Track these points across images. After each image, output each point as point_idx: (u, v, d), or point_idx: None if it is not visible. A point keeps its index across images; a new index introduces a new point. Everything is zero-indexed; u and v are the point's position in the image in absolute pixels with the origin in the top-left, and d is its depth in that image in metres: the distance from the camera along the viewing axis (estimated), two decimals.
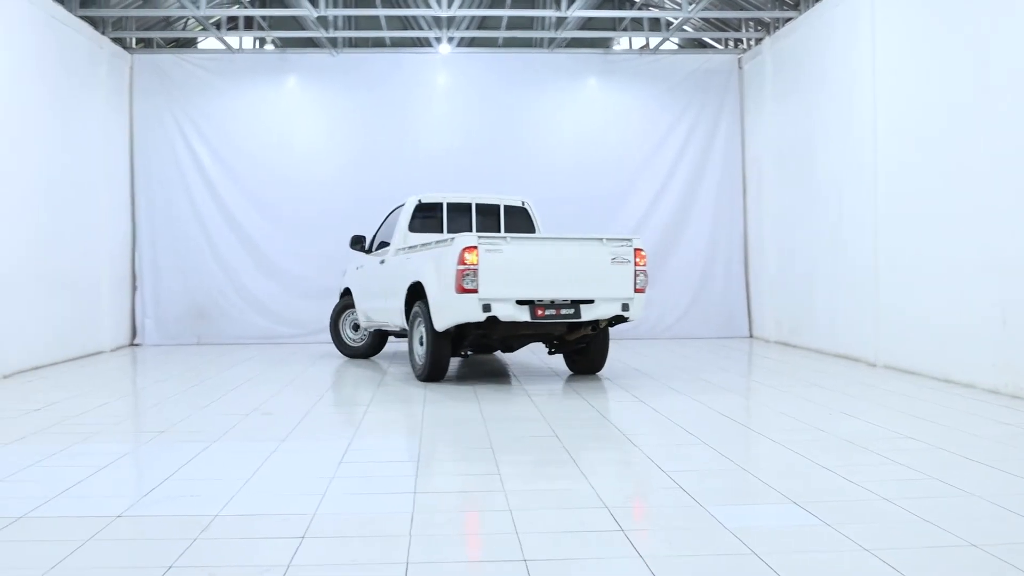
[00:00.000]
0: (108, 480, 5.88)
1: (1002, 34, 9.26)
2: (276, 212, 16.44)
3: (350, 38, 17.04)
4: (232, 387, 10.48)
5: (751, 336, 16.60)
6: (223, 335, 16.28)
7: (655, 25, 17.19)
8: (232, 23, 17.10)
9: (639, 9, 17.30)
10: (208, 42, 17.45)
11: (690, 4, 14.84)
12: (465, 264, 9.58)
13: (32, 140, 12.50)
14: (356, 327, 13.73)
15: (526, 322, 9.82)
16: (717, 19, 16.89)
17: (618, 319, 10.26)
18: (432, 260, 10.36)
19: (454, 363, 12.47)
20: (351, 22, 16.86)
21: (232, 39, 16.89)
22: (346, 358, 13.61)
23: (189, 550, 4.38)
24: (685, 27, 16.92)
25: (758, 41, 16.30)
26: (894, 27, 11.41)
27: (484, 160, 16.49)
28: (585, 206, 16.42)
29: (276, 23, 17.00)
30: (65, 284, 13.40)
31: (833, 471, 5.87)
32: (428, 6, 15.22)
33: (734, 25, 16.96)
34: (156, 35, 16.54)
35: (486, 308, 9.61)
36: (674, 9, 16.40)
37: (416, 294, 10.78)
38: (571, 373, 11.53)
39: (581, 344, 11.05)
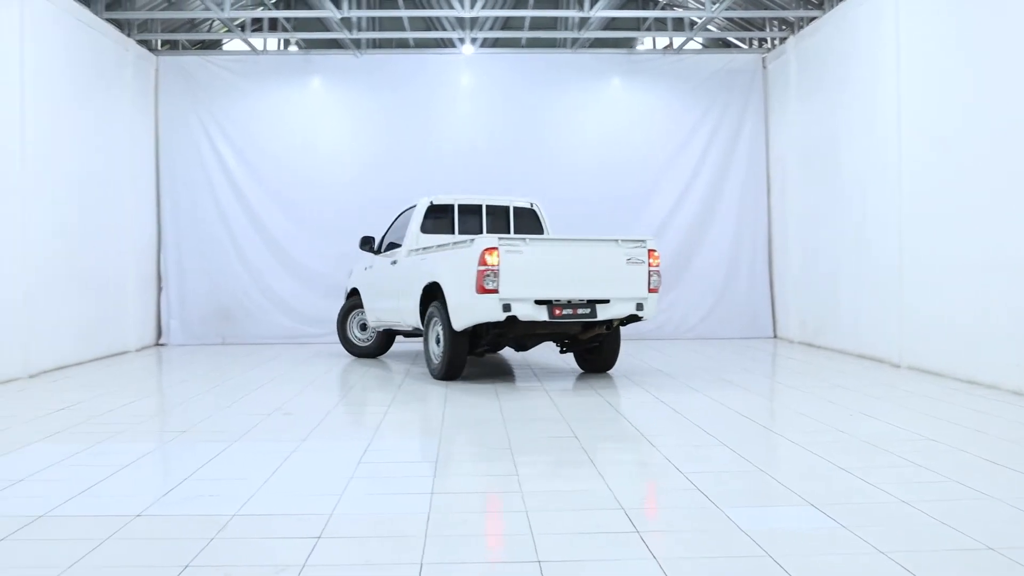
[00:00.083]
0: (129, 479, 5.92)
1: None
2: (300, 212, 16.52)
3: (374, 39, 17.11)
4: (255, 387, 10.54)
5: (775, 336, 16.53)
6: (248, 335, 16.37)
7: (679, 25, 17.14)
8: (256, 25, 17.19)
9: (663, 9, 17.26)
10: (233, 44, 17.57)
11: (714, 3, 14.80)
12: (486, 265, 9.70)
13: (60, 142, 12.63)
14: (363, 327, 13.81)
15: (544, 321, 9.97)
16: (741, 18, 16.84)
17: (632, 318, 10.40)
18: (450, 261, 10.49)
19: (468, 361, 12.49)
20: (375, 23, 16.91)
21: (256, 41, 16.99)
22: (359, 358, 13.65)
23: (206, 550, 4.41)
24: (709, 27, 16.87)
25: (782, 40, 16.22)
26: (918, 26, 11.33)
27: (507, 160, 16.50)
28: (609, 206, 16.42)
29: (300, 25, 17.07)
30: (92, 284, 13.53)
31: (852, 473, 5.84)
32: (451, 7, 15.26)
33: (758, 24, 16.89)
34: (181, 37, 16.65)
35: (506, 308, 9.77)
36: (698, 9, 16.35)
37: (431, 294, 10.90)
38: (593, 372, 11.60)
39: (594, 343, 11.19)
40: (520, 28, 16.94)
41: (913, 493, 5.31)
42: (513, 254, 9.82)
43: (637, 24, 17.52)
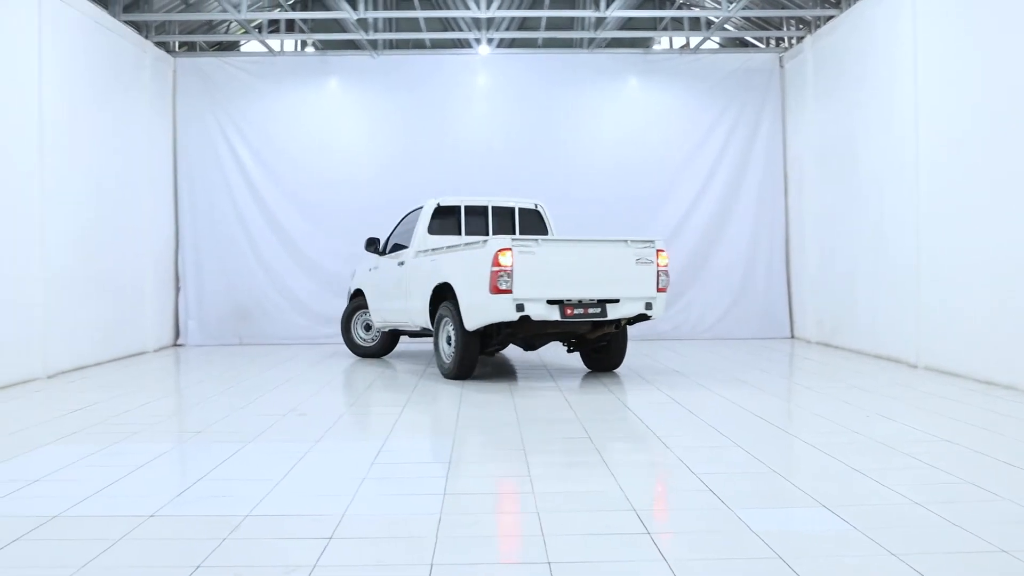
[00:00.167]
0: (143, 480, 5.95)
1: None
2: (317, 213, 16.57)
3: (390, 40, 17.16)
4: (271, 388, 10.58)
5: (792, 337, 16.47)
6: (265, 335, 16.43)
7: (695, 24, 17.12)
8: (273, 26, 17.25)
9: (679, 8, 17.23)
10: (250, 45, 17.65)
11: (730, 3, 14.76)
12: (500, 266, 9.80)
13: (79, 144, 12.71)
14: (368, 327, 13.89)
15: (555, 321, 10.11)
16: (758, 18, 16.79)
17: (640, 317, 10.53)
18: (463, 262, 10.60)
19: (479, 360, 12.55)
20: (391, 24, 16.94)
21: (274, 42, 17.06)
22: (365, 358, 13.71)
23: (218, 550, 4.43)
24: (726, 26, 16.83)
25: (799, 40, 16.17)
26: (935, 25, 11.27)
27: (524, 161, 16.52)
28: (625, 207, 16.42)
29: (317, 26, 17.11)
30: (110, 285, 13.61)
31: (866, 474, 5.81)
32: (467, 8, 15.28)
33: (775, 24, 16.84)
34: (199, 39, 16.74)
35: (519, 308, 9.88)
36: (715, 8, 16.31)
37: (441, 295, 11.01)
38: (599, 371, 11.71)
39: (602, 342, 11.31)
40: (536, 28, 16.94)
41: (927, 495, 5.28)
42: (526, 255, 9.93)
43: (654, 24, 17.50)
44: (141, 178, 14.94)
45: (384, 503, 5.40)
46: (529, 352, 13.15)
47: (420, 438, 7.75)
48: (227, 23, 17.13)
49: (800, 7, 15.23)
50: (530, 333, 10.69)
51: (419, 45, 17.44)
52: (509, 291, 9.83)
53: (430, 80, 16.80)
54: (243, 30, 16.98)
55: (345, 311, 14.13)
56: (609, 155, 16.77)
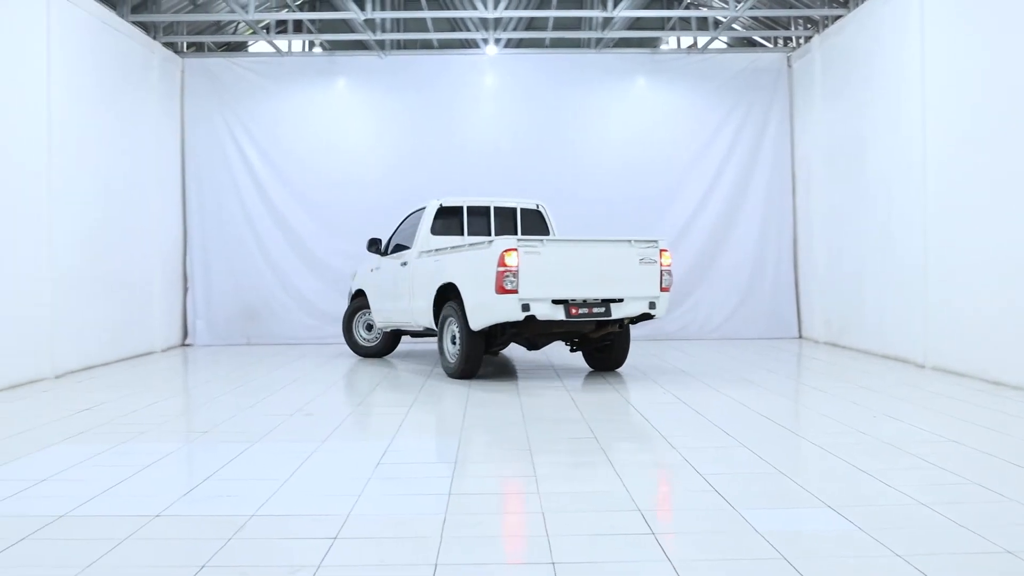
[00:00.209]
0: (150, 480, 5.97)
1: None
2: (325, 213, 16.58)
3: (398, 40, 17.17)
4: (278, 388, 10.60)
5: (800, 337, 16.44)
6: (273, 335, 16.46)
7: (703, 24, 17.09)
8: (281, 27, 17.28)
9: (687, 8, 17.21)
10: (258, 46, 17.67)
11: (738, 2, 14.74)
12: (505, 266, 9.88)
13: (87, 144, 12.74)
14: (369, 327, 13.95)
15: (560, 320, 10.18)
16: (766, 17, 16.77)
17: (644, 316, 10.60)
18: (468, 262, 10.67)
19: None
20: (399, 24, 16.96)
21: (281, 42, 17.10)
22: (368, 358, 13.74)
23: (223, 550, 4.44)
24: (734, 26, 16.81)
25: (807, 39, 16.14)
26: (943, 24, 11.24)
27: (531, 161, 16.53)
28: (633, 206, 16.41)
29: (325, 26, 17.12)
30: (118, 285, 13.64)
31: (872, 475, 5.80)
32: (475, 8, 15.28)
33: (783, 23, 16.82)
34: (207, 39, 16.77)
35: (525, 308, 9.96)
36: (722, 8, 16.29)
37: (445, 295, 11.08)
38: (602, 370, 11.79)
39: (606, 342, 11.40)
40: (544, 28, 16.94)
41: (933, 495, 5.27)
42: (532, 255, 10.01)
43: (661, 24, 17.50)
44: (149, 178, 14.98)
45: (389, 503, 5.40)
46: (532, 352, 13.15)
47: (426, 438, 7.75)
48: (235, 24, 17.16)
49: (808, 7, 15.21)
50: (535, 333, 10.76)
51: (427, 45, 17.45)
52: (515, 291, 9.90)
53: (438, 80, 16.82)
54: (251, 31, 17.00)
55: (346, 311, 14.18)
56: (617, 155, 16.76)
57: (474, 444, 7.25)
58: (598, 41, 16.76)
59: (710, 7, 17.19)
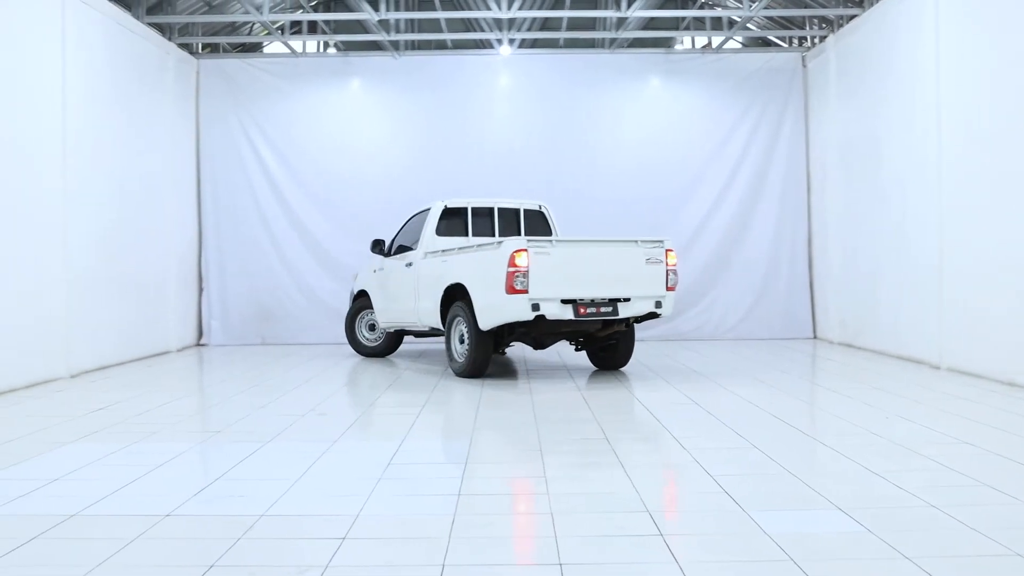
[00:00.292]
0: (161, 479, 6.00)
1: None
2: (340, 213, 16.61)
3: (412, 41, 17.20)
4: (291, 387, 10.63)
5: (815, 337, 16.39)
6: (288, 336, 16.50)
7: (717, 24, 17.05)
8: (296, 27, 17.33)
9: (701, 8, 17.18)
10: (273, 46, 17.73)
11: (752, 2, 14.70)
12: (516, 266, 9.98)
13: (102, 145, 12.81)
14: (372, 327, 14.01)
15: (568, 320, 10.31)
16: (780, 17, 16.72)
17: (650, 316, 10.73)
18: (477, 263, 10.78)
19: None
20: (413, 25, 16.99)
21: (296, 43, 17.16)
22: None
23: (232, 550, 4.46)
24: (748, 25, 16.76)
25: (822, 39, 16.08)
26: (957, 23, 11.19)
27: (545, 161, 16.54)
28: (647, 207, 16.38)
29: (339, 27, 17.16)
30: (133, 286, 13.71)
31: (883, 476, 5.78)
32: (489, 8, 15.29)
33: (798, 23, 16.78)
34: (222, 40, 16.84)
35: (535, 307, 10.09)
36: (737, 8, 16.25)
37: (452, 295, 11.18)
38: (607, 369, 11.90)
39: (611, 341, 11.52)
40: (558, 29, 16.94)
41: (943, 497, 5.24)
42: (541, 255, 10.13)
43: (675, 24, 17.47)
44: (164, 179, 15.05)
45: (399, 504, 5.41)
46: (538, 351, 13.19)
47: (438, 438, 7.78)
48: (250, 25, 17.22)
49: (823, 6, 15.16)
50: (542, 332, 10.89)
51: (441, 46, 17.47)
52: (525, 291, 10.00)
53: (452, 80, 16.84)
54: (266, 31, 17.07)
55: (349, 312, 14.25)
56: (631, 155, 16.74)
57: (485, 445, 7.25)
58: (612, 41, 16.75)
59: (724, 7, 17.15)
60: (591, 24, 17.10)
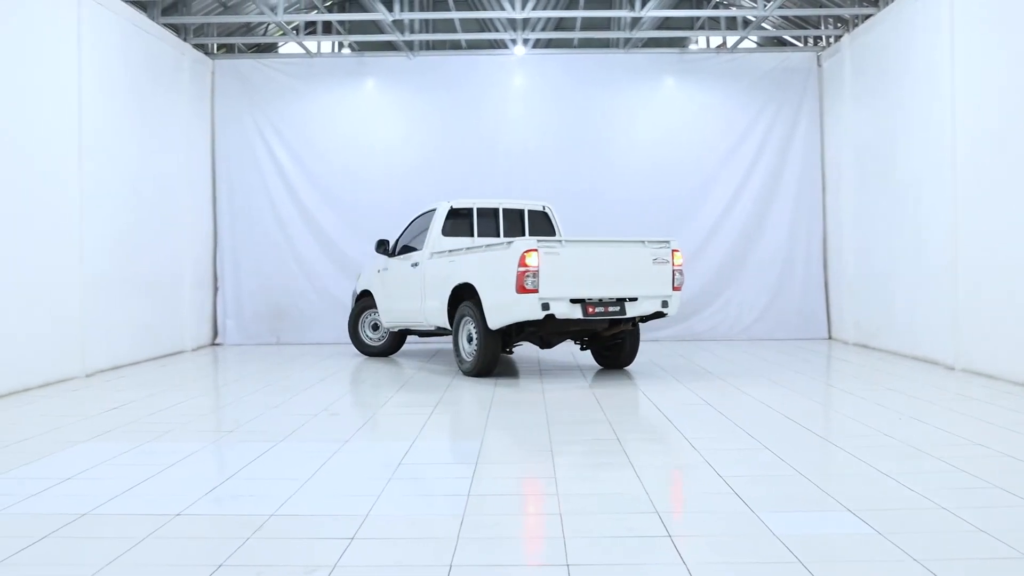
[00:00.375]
0: (172, 479, 6.02)
1: None
2: (354, 213, 16.63)
3: (426, 41, 17.22)
4: (305, 387, 10.66)
5: (830, 338, 16.33)
6: (302, 335, 16.54)
7: (732, 23, 17.01)
8: (311, 28, 17.36)
9: (716, 8, 17.14)
10: (287, 47, 17.77)
11: (767, 1, 14.66)
12: (526, 266, 10.08)
13: (118, 145, 12.87)
14: (375, 327, 14.08)
15: (577, 319, 10.43)
16: (795, 16, 16.67)
17: (656, 315, 10.87)
18: (487, 263, 10.88)
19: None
20: (427, 25, 17.00)
21: (311, 44, 17.18)
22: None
23: (241, 549, 4.47)
24: (763, 25, 16.71)
25: (837, 38, 16.03)
26: (973, 23, 11.13)
27: (560, 161, 16.55)
28: (662, 207, 16.37)
29: (353, 27, 17.21)
30: (149, 285, 13.77)
31: (894, 478, 5.75)
32: (503, 8, 15.29)
33: (813, 22, 16.72)
34: (237, 41, 16.89)
35: (545, 307, 10.20)
36: (751, 7, 16.20)
37: (460, 295, 11.29)
38: (612, 368, 12.00)
39: (617, 340, 11.69)
40: (572, 28, 16.92)
41: (955, 499, 5.22)
42: (551, 255, 10.23)
43: (690, 23, 17.44)
44: (179, 179, 15.11)
45: (409, 504, 5.43)
46: (544, 350, 13.25)
47: (449, 438, 7.78)
48: (265, 25, 17.27)
49: (838, 6, 15.10)
50: (550, 331, 11.01)
51: (455, 46, 17.49)
52: (535, 291, 10.10)
53: (466, 80, 16.85)
54: (281, 32, 17.12)
55: (352, 312, 14.32)
56: (645, 155, 16.72)
57: (496, 445, 7.26)
58: (626, 41, 16.72)
59: (739, 6, 17.10)
60: (605, 24, 17.08)
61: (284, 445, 7.12)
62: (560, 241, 10.60)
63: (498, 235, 12.52)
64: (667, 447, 7.19)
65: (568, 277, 10.30)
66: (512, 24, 16.27)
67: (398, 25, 15.86)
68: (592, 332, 11.40)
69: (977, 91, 11.02)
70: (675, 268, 10.78)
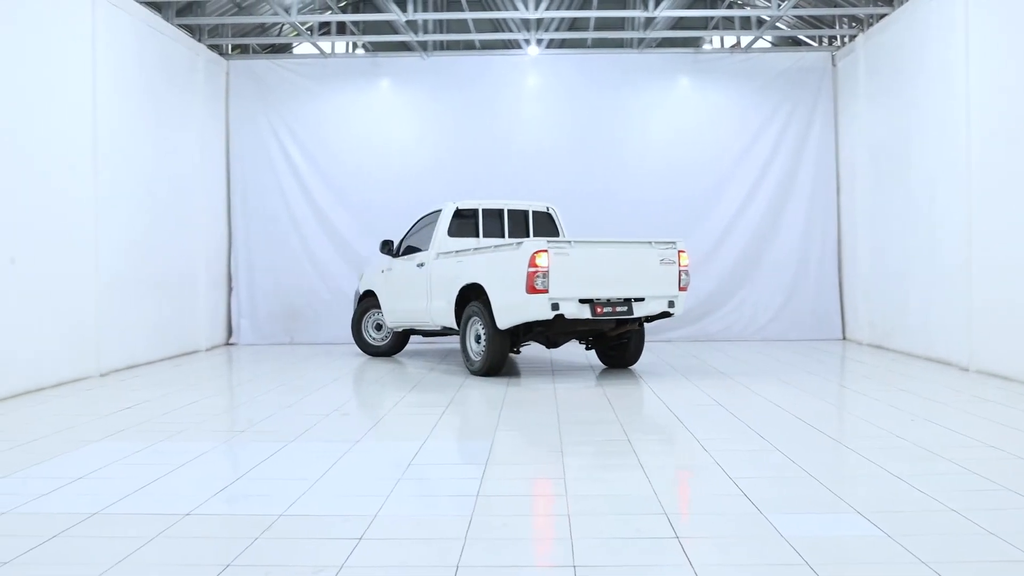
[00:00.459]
0: (183, 478, 6.05)
1: None
2: (368, 214, 16.63)
3: (440, 41, 17.24)
4: (317, 387, 10.69)
5: (844, 338, 16.27)
6: (316, 335, 16.57)
7: (746, 23, 16.97)
8: (325, 28, 17.39)
9: (730, 7, 17.10)
10: (302, 47, 17.82)
11: (781, 1, 14.62)
12: (537, 266, 10.15)
13: (133, 146, 12.93)
14: (379, 327, 14.15)
15: (585, 319, 10.54)
16: (810, 16, 16.61)
17: (663, 315, 10.99)
18: (495, 263, 10.95)
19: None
20: (441, 26, 17.01)
21: (325, 44, 17.22)
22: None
23: (249, 549, 4.49)
24: (777, 25, 16.67)
25: (852, 38, 15.96)
26: (988, 23, 11.08)
27: (573, 161, 16.54)
28: (676, 207, 16.34)
29: (367, 28, 17.24)
30: (163, 285, 13.83)
31: (904, 480, 5.73)
32: (516, 9, 15.29)
33: (827, 22, 16.66)
34: (251, 41, 16.95)
35: (554, 307, 10.29)
36: (766, 7, 16.16)
37: (467, 295, 11.37)
38: (617, 368, 12.09)
39: (622, 340, 11.81)
40: (586, 29, 16.91)
41: (965, 502, 5.19)
42: (561, 256, 10.32)
43: (704, 23, 17.39)
44: (194, 180, 15.17)
45: (417, 504, 5.44)
46: (551, 349, 13.26)
47: (459, 439, 7.79)
48: (279, 26, 17.32)
49: (852, 5, 15.04)
50: (558, 331, 11.09)
51: (469, 46, 17.50)
52: (545, 291, 10.18)
53: (479, 81, 16.86)
54: (295, 32, 17.16)
55: (355, 312, 14.37)
56: (659, 155, 16.69)
57: (506, 445, 7.26)
58: (640, 41, 16.70)
59: (753, 6, 17.06)
60: (619, 24, 17.07)
61: (295, 445, 7.14)
62: (569, 242, 10.68)
63: (503, 235, 12.57)
64: (677, 448, 7.18)
65: (577, 277, 10.40)
66: (526, 24, 16.27)
67: (412, 25, 15.88)
68: (598, 332, 11.51)
69: (992, 90, 10.97)
70: (681, 269, 10.88)
